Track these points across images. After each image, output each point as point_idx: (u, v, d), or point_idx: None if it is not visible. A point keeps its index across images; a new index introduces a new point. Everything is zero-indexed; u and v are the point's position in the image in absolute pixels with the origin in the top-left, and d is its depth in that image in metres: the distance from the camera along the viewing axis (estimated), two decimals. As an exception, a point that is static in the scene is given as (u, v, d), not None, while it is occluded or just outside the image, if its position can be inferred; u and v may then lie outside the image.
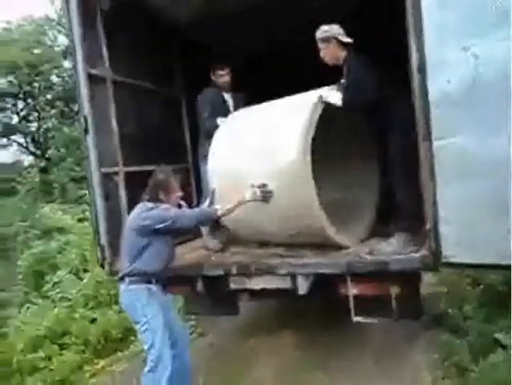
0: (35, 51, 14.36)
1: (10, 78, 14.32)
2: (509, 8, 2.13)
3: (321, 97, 2.95)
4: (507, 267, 2.32)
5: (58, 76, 15.06)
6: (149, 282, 2.79)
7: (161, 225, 2.72)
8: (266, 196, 2.97)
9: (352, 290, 2.85)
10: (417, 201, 2.62)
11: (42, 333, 4.14)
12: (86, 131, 3.48)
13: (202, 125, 3.89)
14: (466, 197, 2.34)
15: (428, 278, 3.95)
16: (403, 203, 2.90)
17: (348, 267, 2.80)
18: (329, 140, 3.42)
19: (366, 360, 3.37)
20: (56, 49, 15.06)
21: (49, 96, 14.94)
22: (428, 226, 2.50)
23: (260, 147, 3.08)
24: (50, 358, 3.85)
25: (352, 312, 2.88)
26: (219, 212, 2.95)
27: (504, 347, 2.65)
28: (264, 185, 2.97)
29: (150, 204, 2.82)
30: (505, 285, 3.43)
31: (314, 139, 2.89)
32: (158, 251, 2.81)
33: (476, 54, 2.22)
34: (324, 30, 2.98)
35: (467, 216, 2.35)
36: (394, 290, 2.79)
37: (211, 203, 3.16)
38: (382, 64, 2.87)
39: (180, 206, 3.06)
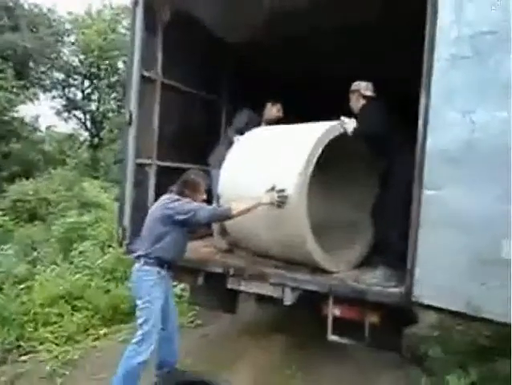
0: (108, 37, 15.41)
1: (81, 57, 15.41)
2: (510, 82, 2.34)
3: (342, 122, 3.30)
4: (474, 318, 2.51)
5: (124, 62, 16.08)
6: (161, 267, 3.06)
7: (182, 217, 2.98)
8: (282, 200, 3.12)
9: (332, 311, 3.11)
10: (406, 241, 2.85)
11: (60, 293, 4.63)
12: (129, 123, 3.91)
13: (230, 133, 4.24)
14: (445, 246, 2.55)
15: (428, 320, 4.17)
16: (392, 239, 3.12)
17: (330, 289, 3.07)
18: (340, 163, 3.72)
19: (347, 369, 3.62)
20: (127, 38, 16.09)
21: (112, 80, 15.94)
22: (408, 266, 2.73)
23: (263, 170, 3.38)
24: (62, 316, 4.32)
25: (329, 330, 3.13)
26: (234, 212, 3.06)
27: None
28: (282, 190, 3.13)
29: (175, 197, 3.10)
30: (488, 339, 3.55)
31: (324, 159, 3.19)
32: (175, 240, 3.07)
33: (473, 120, 2.44)
34: (354, 84, 3.55)
35: (443, 263, 2.55)
36: (371, 319, 3.03)
37: (217, 205, 3.44)
38: (399, 112, 3.16)
39: None
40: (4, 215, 8.42)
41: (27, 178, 10.01)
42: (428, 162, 2.59)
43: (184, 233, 3.15)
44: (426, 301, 2.62)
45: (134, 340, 3.00)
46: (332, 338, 3.13)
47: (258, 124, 4.30)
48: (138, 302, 3.08)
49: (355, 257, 3.60)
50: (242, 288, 3.53)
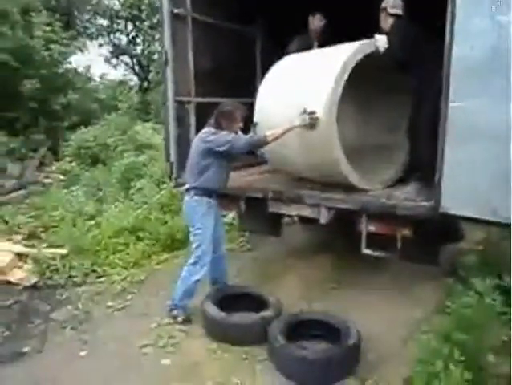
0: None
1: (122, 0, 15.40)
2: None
3: (375, 40, 3.29)
4: (499, 224, 2.59)
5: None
6: (209, 196, 3.35)
7: (221, 148, 3.16)
8: (313, 122, 3.21)
9: (366, 226, 3.29)
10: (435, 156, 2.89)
11: (125, 226, 5.18)
12: (166, 63, 4.09)
13: None
14: (470, 158, 2.59)
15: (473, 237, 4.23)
16: (424, 156, 3.16)
17: (363, 206, 3.23)
18: (373, 85, 3.69)
19: (379, 285, 3.88)
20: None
21: (154, 20, 15.87)
22: (435, 179, 2.80)
23: (295, 95, 3.45)
24: (128, 245, 4.90)
25: (363, 245, 3.34)
26: (270, 138, 3.22)
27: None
28: (313, 112, 3.21)
29: (213, 130, 3.25)
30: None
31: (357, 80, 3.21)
32: (218, 171, 3.30)
33: (501, 23, 2.34)
34: (383, 2, 3.41)
35: (468, 174, 2.61)
36: (403, 232, 3.18)
37: (254, 133, 3.56)
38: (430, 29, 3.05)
39: (236, 134, 3.44)
40: (71, 161, 9.21)
41: (86, 126, 10.68)
42: (454, 72, 2.56)
43: (226, 163, 3.37)
44: (453, 211, 2.72)
45: (190, 262, 3.41)
46: (365, 251, 3.34)
47: (310, 46, 4.28)
48: (191, 229, 3.43)
49: (389, 177, 3.68)
50: (283, 210, 3.79)
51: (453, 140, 2.63)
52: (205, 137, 3.26)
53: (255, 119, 3.79)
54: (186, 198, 3.42)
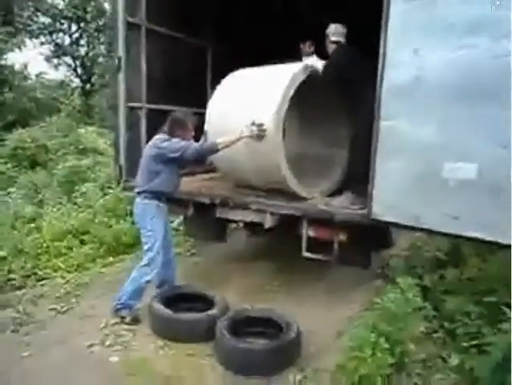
0: (92, -23, 14.88)
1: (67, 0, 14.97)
2: (456, 22, 2.62)
3: (306, 65, 3.61)
4: (423, 230, 2.97)
5: (110, 4, 15.63)
6: (159, 200, 3.47)
7: (173, 155, 3.30)
8: (260, 134, 3.45)
9: (306, 231, 3.58)
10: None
11: (68, 229, 5.11)
12: (118, 69, 4.18)
13: None
14: (396, 170, 2.95)
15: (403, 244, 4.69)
16: (359, 169, 3.51)
17: (304, 212, 3.51)
18: (316, 104, 4.04)
19: (317, 287, 4.19)
20: (112, -23, 15.53)
21: (100, 23, 15.59)
22: (368, 190, 3.15)
23: (245, 108, 3.70)
24: (71, 248, 4.83)
25: (303, 248, 3.62)
26: (219, 146, 3.39)
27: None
28: (260, 124, 3.45)
29: (166, 136, 3.41)
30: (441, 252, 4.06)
31: (301, 100, 3.55)
32: (168, 176, 3.43)
33: (422, 56, 2.74)
34: (326, 29, 3.72)
35: (395, 185, 2.97)
36: (340, 237, 3.49)
37: (204, 141, 3.76)
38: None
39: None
40: (5, 163, 8.77)
41: (23, 126, 10.23)
42: (384, 96, 2.92)
43: (177, 169, 3.51)
44: (382, 218, 3.06)
45: (141, 263, 3.48)
46: (306, 254, 3.62)
47: None
48: (143, 231, 3.51)
49: (327, 187, 4.03)
50: (229, 216, 3.99)
51: (383, 154, 2.99)
52: (158, 143, 3.39)
53: (206, 127, 3.98)
54: (137, 200, 3.52)
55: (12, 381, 2.75)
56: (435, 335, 3.08)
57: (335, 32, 3.69)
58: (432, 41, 2.70)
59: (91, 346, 3.10)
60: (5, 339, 3.25)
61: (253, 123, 3.48)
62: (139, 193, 3.50)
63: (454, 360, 2.71)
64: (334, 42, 3.68)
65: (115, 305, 3.49)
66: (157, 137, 3.47)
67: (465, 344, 2.79)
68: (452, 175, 2.72)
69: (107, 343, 3.13)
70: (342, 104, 4.01)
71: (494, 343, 2.41)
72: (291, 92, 3.50)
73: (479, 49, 2.53)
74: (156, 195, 3.46)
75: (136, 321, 3.42)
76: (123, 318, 3.43)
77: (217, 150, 3.45)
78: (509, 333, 2.36)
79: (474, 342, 2.70)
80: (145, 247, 3.48)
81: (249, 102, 3.70)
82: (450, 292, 3.39)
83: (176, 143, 3.37)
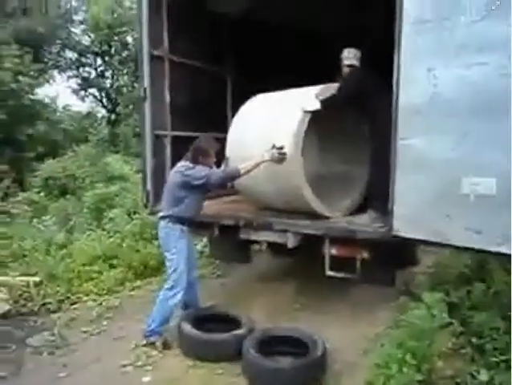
0: (115, 13, 15.64)
1: (92, 36, 15.75)
2: (467, 42, 2.71)
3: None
4: (443, 245, 2.99)
5: (132, 38, 16.34)
6: (183, 224, 3.59)
7: (198, 182, 3.45)
8: (281, 157, 3.53)
9: (329, 250, 3.64)
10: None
11: (97, 254, 5.30)
12: (144, 99, 4.41)
13: None
14: (416, 187, 3.00)
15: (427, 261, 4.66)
16: (379, 187, 3.57)
17: (326, 231, 3.58)
18: (334, 122, 4.16)
19: (342, 305, 4.19)
20: (134, 12, 16.32)
21: (123, 56, 16.28)
22: (389, 206, 3.20)
23: (264, 132, 3.84)
24: (101, 272, 5.01)
25: (327, 267, 3.66)
26: (242, 171, 3.50)
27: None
28: (281, 148, 3.53)
29: (191, 165, 3.54)
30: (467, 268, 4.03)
31: (319, 119, 3.66)
32: (192, 202, 3.58)
33: (436, 75, 2.83)
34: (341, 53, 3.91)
35: (415, 201, 3.02)
36: (362, 255, 3.54)
37: (226, 166, 3.90)
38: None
39: (211, 168, 3.73)
40: (39, 192, 9.16)
41: (54, 157, 10.69)
42: (401, 115, 3.01)
43: (200, 196, 3.65)
44: (403, 234, 3.10)
45: (166, 286, 3.58)
46: (329, 273, 3.66)
47: None
48: (166, 254, 3.63)
49: (349, 205, 4.08)
50: (253, 237, 4.08)
51: (402, 171, 3.05)
52: (184, 171, 3.51)
53: (227, 152, 4.13)
54: (162, 224, 3.62)
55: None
56: (463, 351, 3.05)
57: (348, 56, 3.85)
58: (444, 60, 2.79)
59: (124, 366, 3.21)
60: (42, 361, 3.39)
61: (273, 147, 3.58)
62: (163, 217, 3.62)
63: (483, 376, 2.68)
64: (348, 66, 3.82)
65: (145, 332, 3.55)
66: (182, 164, 3.59)
67: (494, 359, 2.77)
68: (471, 190, 2.76)
69: (139, 364, 3.24)
70: (360, 122, 4.11)
71: (523, 357, 2.39)
72: (309, 116, 3.62)
73: (490, 66, 2.60)
74: (181, 219, 3.58)
75: (166, 346, 3.47)
76: (153, 343, 3.48)
77: (240, 175, 3.56)
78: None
79: (503, 358, 2.67)
80: (170, 270, 3.58)
81: (268, 125, 3.84)
82: (477, 307, 3.36)
83: (201, 170, 3.49)
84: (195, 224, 3.84)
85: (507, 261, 3.48)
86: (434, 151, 2.88)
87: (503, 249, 2.67)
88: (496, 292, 3.38)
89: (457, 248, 2.90)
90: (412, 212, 3.05)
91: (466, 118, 2.73)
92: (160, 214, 3.66)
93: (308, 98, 3.70)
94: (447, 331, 3.13)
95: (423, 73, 2.88)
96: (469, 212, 2.78)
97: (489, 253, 2.79)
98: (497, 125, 2.62)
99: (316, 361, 2.96)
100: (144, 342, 3.53)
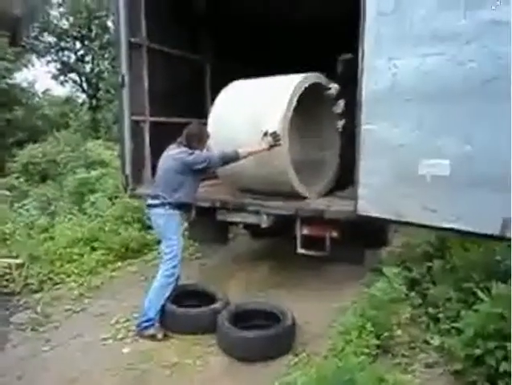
0: (95, -4, 15.41)
1: (71, 20, 15.50)
2: (424, 32, 2.90)
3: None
4: (403, 223, 3.23)
5: (113, 22, 16.14)
6: (180, 210, 3.56)
7: (200, 166, 3.45)
8: (277, 142, 3.67)
9: (300, 229, 3.85)
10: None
11: (79, 237, 5.42)
12: (122, 85, 4.51)
13: None
14: (379, 168, 3.22)
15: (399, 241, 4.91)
16: (345, 169, 3.80)
17: (297, 211, 3.79)
18: (311, 114, 4.34)
19: (313, 282, 4.42)
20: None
21: (104, 41, 16.08)
22: (354, 188, 3.42)
23: (249, 115, 3.97)
24: (82, 255, 5.14)
25: (298, 245, 3.88)
26: (241, 155, 3.60)
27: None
28: (274, 132, 3.66)
29: (189, 150, 3.47)
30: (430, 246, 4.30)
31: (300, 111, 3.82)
32: (191, 187, 3.54)
33: (396, 64, 3.03)
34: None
35: (376, 182, 3.24)
36: (332, 234, 3.76)
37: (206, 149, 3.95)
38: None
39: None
40: (18, 177, 9.16)
41: (34, 142, 10.64)
42: (365, 102, 3.21)
43: (199, 179, 3.68)
44: (367, 214, 3.33)
45: (165, 273, 3.49)
46: (301, 251, 3.88)
47: None
48: (164, 241, 3.57)
49: (320, 188, 4.29)
50: (229, 218, 4.26)
51: (365, 155, 3.27)
52: (184, 157, 3.45)
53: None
54: (160, 211, 3.52)
55: (35, 368, 3.07)
56: (420, 320, 3.32)
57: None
58: (403, 50, 2.99)
59: (105, 339, 3.39)
60: (26, 337, 3.55)
61: (265, 134, 3.68)
62: (162, 205, 3.50)
63: (436, 341, 2.95)
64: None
65: (140, 323, 3.44)
66: (179, 150, 3.53)
67: (445, 326, 3.04)
68: (427, 171, 2.98)
69: (119, 336, 3.42)
70: (332, 111, 4.31)
71: (468, 322, 2.65)
72: (295, 100, 3.79)
73: (444, 56, 2.81)
74: (181, 205, 3.56)
75: (167, 336, 3.40)
76: (153, 336, 3.38)
77: (239, 159, 3.63)
78: (480, 312, 2.61)
79: (454, 325, 2.93)
80: (169, 256, 3.51)
81: (253, 110, 3.96)
82: (436, 282, 3.64)
83: (201, 154, 3.53)
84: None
85: (461, 238, 3.79)
86: (394, 136, 3.09)
87: (456, 226, 2.92)
88: (453, 267, 3.65)
89: (416, 225, 3.13)
90: (374, 193, 3.27)
91: (423, 105, 2.94)
92: (156, 201, 3.55)
93: (293, 84, 3.85)
94: (407, 303, 3.41)
95: (384, 62, 3.07)
96: (426, 192, 3.00)
97: (444, 229, 3.03)
98: (450, 111, 2.84)
99: (285, 330, 3.18)
100: (124, 318, 3.70)
